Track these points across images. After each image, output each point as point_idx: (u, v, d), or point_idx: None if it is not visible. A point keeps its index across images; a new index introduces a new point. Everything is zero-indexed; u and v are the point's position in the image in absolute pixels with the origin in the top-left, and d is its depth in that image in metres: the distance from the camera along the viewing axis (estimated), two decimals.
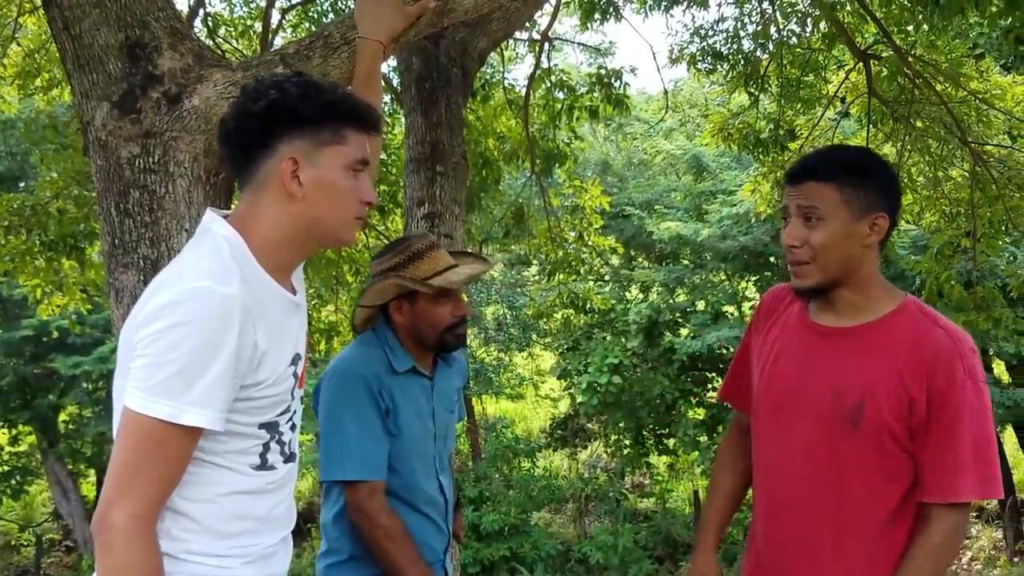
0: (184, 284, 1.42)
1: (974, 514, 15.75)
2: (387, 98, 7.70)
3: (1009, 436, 15.16)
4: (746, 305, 15.59)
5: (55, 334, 12.68)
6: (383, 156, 7.68)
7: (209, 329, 1.40)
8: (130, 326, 1.47)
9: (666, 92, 8.35)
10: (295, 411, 1.64)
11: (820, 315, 1.91)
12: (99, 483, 17.14)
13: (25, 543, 17.65)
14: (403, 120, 4.64)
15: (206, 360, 1.39)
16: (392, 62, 6.39)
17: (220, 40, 7.35)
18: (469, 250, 3.88)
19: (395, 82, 7.00)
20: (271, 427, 1.56)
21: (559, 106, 7.42)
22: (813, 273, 1.84)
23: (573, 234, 8.45)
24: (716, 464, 2.19)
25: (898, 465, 1.81)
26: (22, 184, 13.63)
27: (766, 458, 1.96)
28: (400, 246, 2.41)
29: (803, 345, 1.91)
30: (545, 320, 11.75)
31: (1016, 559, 13.42)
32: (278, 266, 1.57)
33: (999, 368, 13.83)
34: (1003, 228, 6.36)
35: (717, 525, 2.12)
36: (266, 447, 1.56)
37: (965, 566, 13.90)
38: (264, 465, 1.56)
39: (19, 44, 7.17)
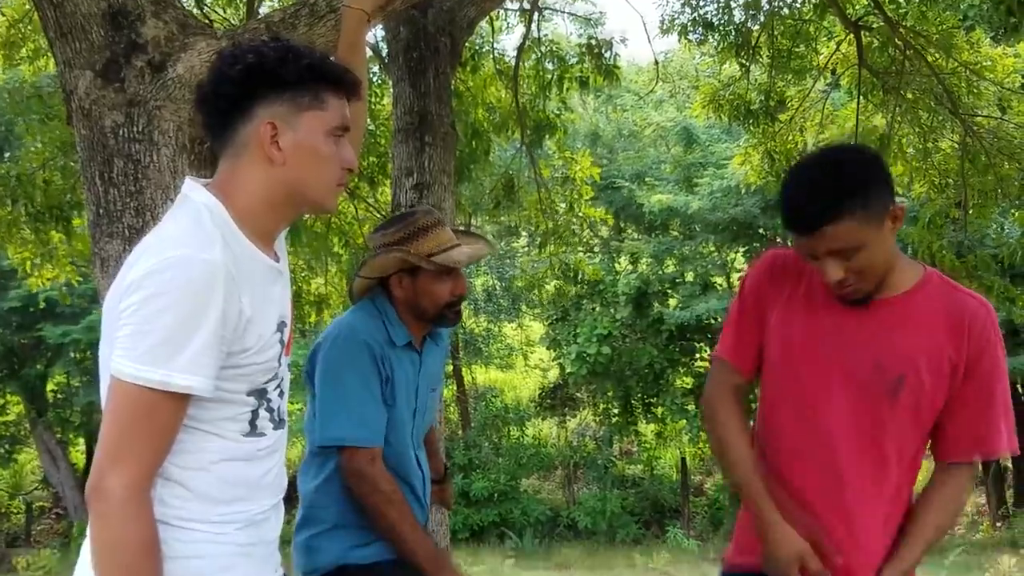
0: (165, 252, 1.41)
1: None
2: (375, 68, 7.63)
3: None
4: (735, 276, 15.64)
5: (42, 304, 12.64)
6: (371, 126, 7.62)
7: (192, 296, 1.39)
8: (113, 295, 1.46)
9: (656, 63, 8.30)
10: (283, 378, 1.63)
11: None
12: (88, 451, 17.19)
13: (15, 511, 17.73)
14: (392, 90, 4.61)
15: (192, 327, 1.39)
16: (380, 31, 6.34)
17: (207, 8, 7.26)
18: (464, 228, 3.87)
19: (383, 52, 6.93)
20: (260, 394, 1.56)
21: (549, 76, 7.37)
22: (866, 287, 1.85)
23: (563, 205, 8.43)
24: (730, 435, 2.03)
25: (926, 432, 1.89)
26: (7, 154, 13.51)
27: (798, 431, 1.94)
28: (405, 220, 2.39)
29: (836, 318, 1.91)
30: (535, 291, 11.76)
31: (999, 524, 13.61)
32: (260, 233, 1.56)
33: None
34: (994, 197, 6.40)
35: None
36: (255, 414, 1.56)
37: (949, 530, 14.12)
38: (254, 432, 1.56)
39: (3, 14, 7.07)
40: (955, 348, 1.83)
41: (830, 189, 1.77)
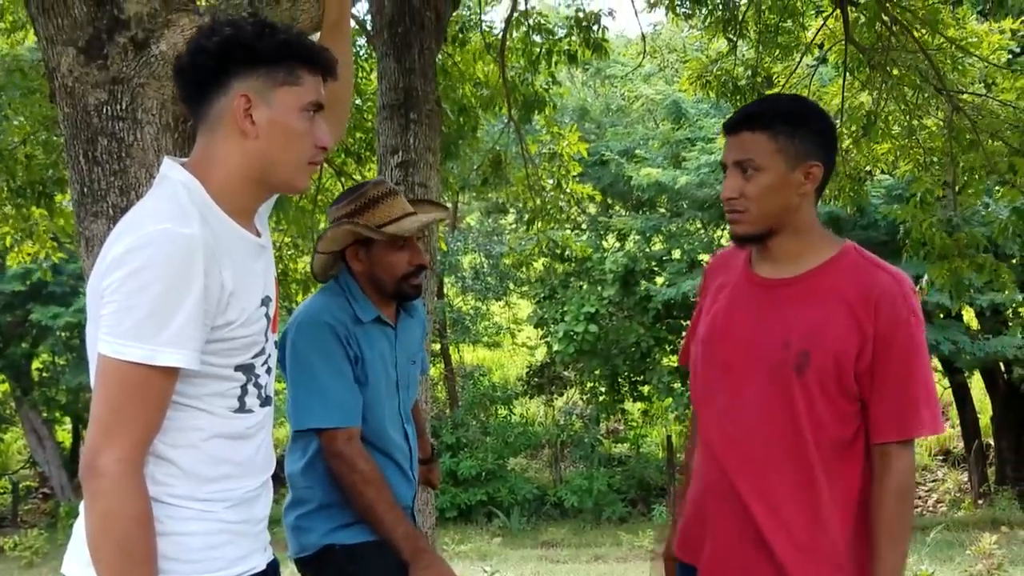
0: (144, 229, 1.43)
1: (940, 457, 16.10)
2: (361, 41, 7.58)
3: (977, 382, 15.45)
4: None
5: (27, 283, 12.53)
6: (358, 101, 7.58)
7: (173, 269, 1.40)
8: (96, 275, 1.48)
9: (644, 37, 8.28)
10: (270, 354, 1.65)
11: (762, 266, 1.95)
12: (75, 431, 17.16)
13: (1, 491, 17.68)
14: (377, 65, 4.57)
15: (174, 301, 1.40)
16: (365, 5, 6.29)
17: None
18: (438, 200, 3.85)
19: (369, 26, 6.87)
20: (247, 369, 1.58)
21: (537, 50, 7.33)
22: (748, 222, 1.88)
23: (551, 182, 8.41)
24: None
25: (847, 410, 1.84)
26: None
27: (716, 410, 1.97)
28: (356, 193, 2.40)
29: (749, 299, 1.94)
30: (524, 269, 11.75)
31: (980, 501, 13.76)
32: (238, 209, 1.57)
33: (968, 315, 14.04)
34: (983, 174, 6.41)
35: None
36: (244, 390, 1.58)
37: (931, 508, 14.25)
38: (243, 408, 1.58)
39: None
40: (862, 325, 1.80)
41: (769, 107, 1.90)
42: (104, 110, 2.21)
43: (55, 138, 6.53)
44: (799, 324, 1.84)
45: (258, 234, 1.64)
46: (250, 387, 1.59)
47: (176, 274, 1.40)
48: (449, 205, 17.03)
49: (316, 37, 2.10)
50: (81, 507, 1.44)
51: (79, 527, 1.47)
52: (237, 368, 1.56)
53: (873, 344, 1.80)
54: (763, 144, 1.83)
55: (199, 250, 1.43)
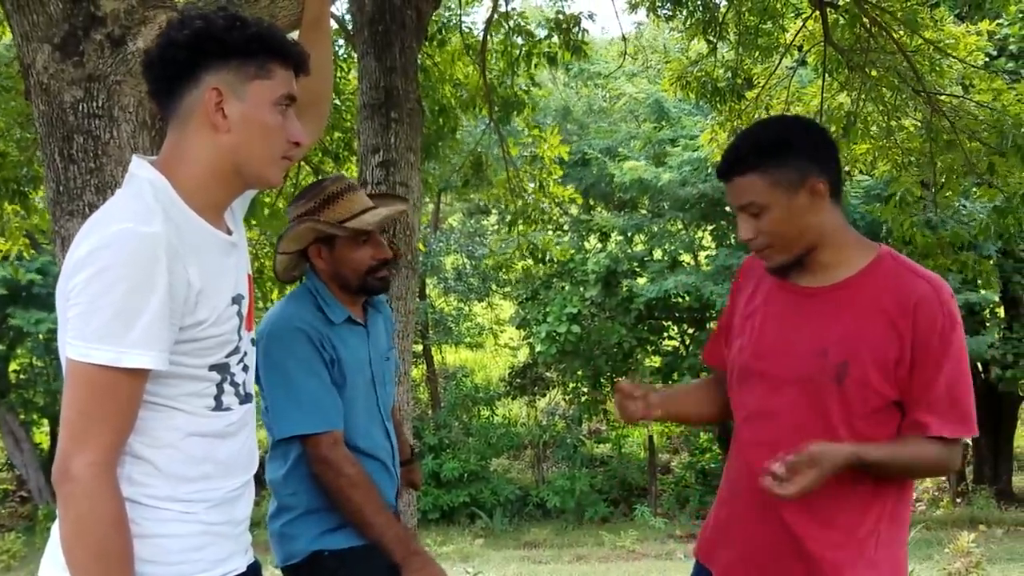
0: (107, 229, 1.41)
1: None
2: (340, 40, 7.54)
3: None
4: (702, 254, 15.75)
5: (7, 290, 12.38)
6: (336, 101, 7.54)
7: (137, 269, 1.39)
8: (62, 278, 1.47)
9: (624, 39, 8.26)
10: (246, 352, 1.63)
11: (798, 276, 1.93)
12: (53, 433, 16.99)
13: None
14: (357, 64, 4.55)
15: (139, 301, 1.39)
16: (345, 3, 6.26)
17: None
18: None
19: (349, 25, 6.84)
20: (222, 368, 1.56)
21: (517, 52, 7.32)
22: (777, 255, 1.87)
23: (533, 185, 8.39)
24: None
25: (883, 416, 1.83)
26: None
27: (749, 417, 1.97)
28: (315, 190, 2.37)
29: (786, 308, 1.93)
30: (505, 271, 11.71)
31: (959, 500, 13.88)
32: (207, 205, 1.55)
33: None
34: (960, 174, 6.47)
35: (666, 393, 2.23)
36: (220, 388, 1.56)
37: (910, 507, 14.37)
38: (220, 407, 1.56)
39: None
40: (900, 334, 1.78)
41: (749, 143, 1.85)
42: (80, 107, 2.18)
43: (29, 135, 6.46)
44: (836, 333, 1.83)
45: (229, 232, 1.62)
46: (226, 386, 1.57)
47: (140, 274, 1.39)
48: (431, 205, 17.01)
49: (296, 35, 2.08)
50: (58, 512, 1.42)
51: (56, 530, 1.45)
52: (211, 368, 1.54)
53: (912, 351, 1.78)
54: (758, 184, 1.81)
55: (162, 248, 1.41)
